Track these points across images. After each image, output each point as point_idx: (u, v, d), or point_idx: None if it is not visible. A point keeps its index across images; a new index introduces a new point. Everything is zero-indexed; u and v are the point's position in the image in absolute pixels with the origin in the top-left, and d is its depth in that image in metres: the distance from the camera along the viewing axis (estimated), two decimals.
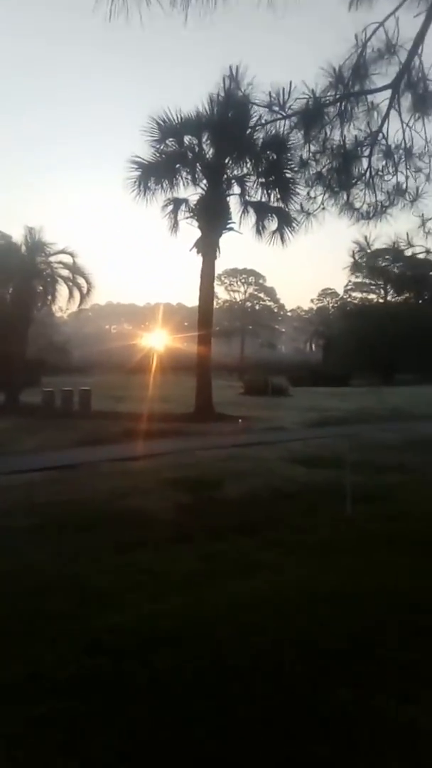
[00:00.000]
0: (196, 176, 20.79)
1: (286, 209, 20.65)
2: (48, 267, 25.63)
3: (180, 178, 20.83)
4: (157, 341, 44.53)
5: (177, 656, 4.01)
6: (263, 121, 8.33)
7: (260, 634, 4.24)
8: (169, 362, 42.84)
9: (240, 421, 19.73)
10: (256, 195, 21.07)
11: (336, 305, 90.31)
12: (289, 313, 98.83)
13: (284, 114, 7.94)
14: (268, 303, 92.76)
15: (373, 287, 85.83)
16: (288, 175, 20.07)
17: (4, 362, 23.58)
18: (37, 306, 25.73)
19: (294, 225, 20.67)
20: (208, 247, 20.66)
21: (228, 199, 21.12)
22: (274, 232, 21.01)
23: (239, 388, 36.87)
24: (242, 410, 23.13)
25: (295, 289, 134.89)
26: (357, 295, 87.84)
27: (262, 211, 21.17)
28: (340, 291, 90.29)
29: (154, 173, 20.58)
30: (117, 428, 17.04)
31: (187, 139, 20.51)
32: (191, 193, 21.29)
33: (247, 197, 21.27)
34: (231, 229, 20.92)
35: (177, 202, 21.45)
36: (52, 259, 25.77)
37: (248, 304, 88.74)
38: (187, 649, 4.10)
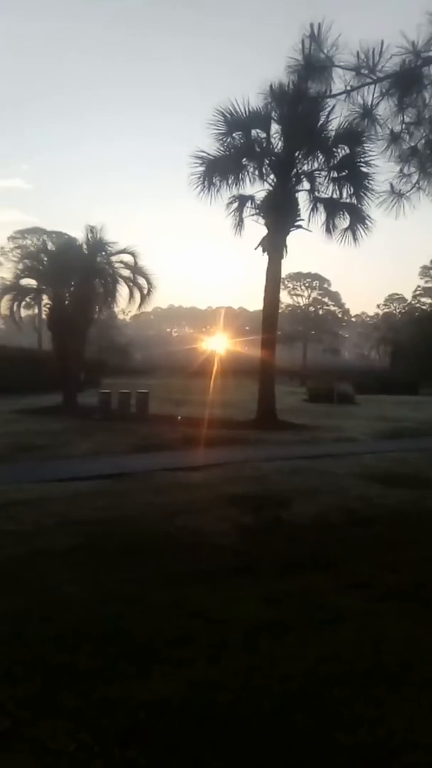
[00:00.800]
0: (263, 171, 19.75)
1: (359, 205, 19.44)
2: (109, 267, 25.11)
3: (246, 173, 19.85)
4: (219, 345, 43.92)
5: (243, 753, 2.95)
6: (349, 87, 7.12)
7: (357, 726, 3.12)
8: (231, 366, 41.99)
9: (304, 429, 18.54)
10: (327, 191, 19.91)
11: (404, 311, 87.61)
12: (353, 319, 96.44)
13: (375, 77, 6.79)
14: (332, 308, 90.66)
15: None
16: (363, 169, 18.90)
17: (62, 363, 23.17)
18: (97, 306, 25.21)
19: (367, 222, 19.53)
20: (274, 245, 19.55)
21: (296, 195, 19.97)
22: (345, 230, 19.78)
23: (302, 394, 35.53)
24: (307, 418, 21.89)
25: (360, 294, 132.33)
26: (426, 300, 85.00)
27: (332, 208, 19.94)
28: (408, 296, 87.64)
29: (219, 168, 19.67)
30: (174, 434, 16.16)
31: (254, 132, 19.51)
32: (257, 189, 20.29)
33: (316, 193, 20.10)
34: (299, 226, 19.77)
35: (242, 199, 20.46)
36: (113, 258, 25.25)
37: (311, 308, 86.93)
38: (254, 742, 3.03)
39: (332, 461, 12.71)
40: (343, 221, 19.75)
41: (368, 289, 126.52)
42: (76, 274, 23.68)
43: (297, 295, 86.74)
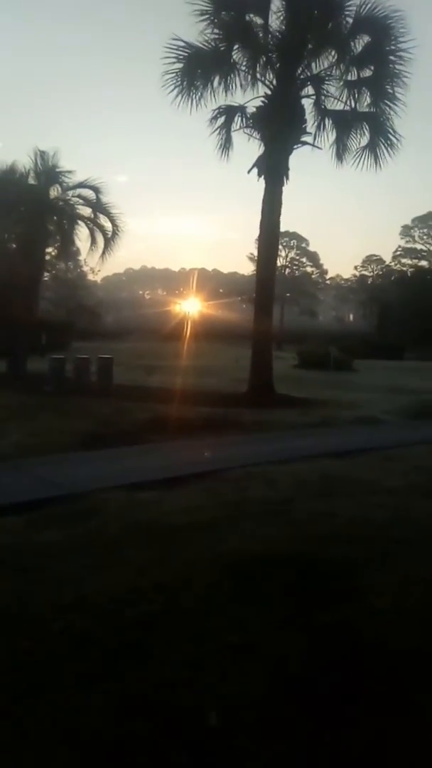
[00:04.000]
0: (259, 69, 15.18)
1: (384, 117, 15.11)
2: (64, 204, 20.46)
3: (236, 73, 15.27)
4: (193, 308, 41.06)
5: None
6: None
7: None
8: (205, 330, 38.77)
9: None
10: (341, 98, 15.50)
11: (381, 273, 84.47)
12: (327, 281, 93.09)
13: None
14: (309, 269, 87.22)
15: (425, 254, 79.49)
16: (391, 66, 14.53)
17: (4, 321, 18.65)
18: (49, 252, 20.62)
19: (392, 138, 15.24)
20: (273, 166, 15.12)
21: (302, 102, 15.51)
22: (364, 149, 15.47)
23: (290, 359, 31.45)
24: (306, 389, 17.90)
25: (335, 255, 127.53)
26: (407, 261, 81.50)
27: (346, 121, 15.59)
28: (387, 258, 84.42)
29: (202, 65, 15.08)
30: (143, 414, 12.00)
31: (249, 16, 14.92)
32: (249, 99, 15.75)
33: (325, 104, 15.67)
34: (305, 143, 15.36)
35: (231, 111, 15.95)
36: (69, 194, 20.60)
37: (288, 269, 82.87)
38: None
39: (372, 460, 8.70)
40: (362, 138, 15.46)
41: (343, 250, 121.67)
42: (20, 212, 19.01)
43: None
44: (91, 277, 76.66)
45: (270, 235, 15.85)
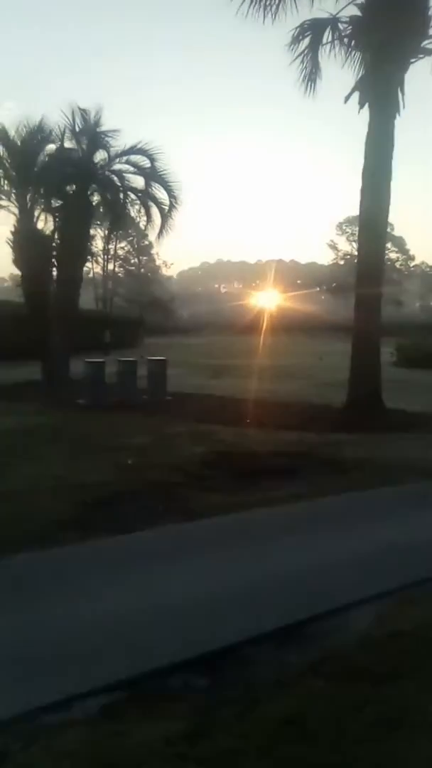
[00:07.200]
0: None
1: None
2: (111, 172, 16.79)
3: None
4: (270, 300, 38.58)
5: None
6: None
7: None
8: (284, 323, 35.86)
9: None
10: None
11: None
12: (412, 268, 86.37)
13: None
14: (395, 255, 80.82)
15: None
16: None
17: (36, 316, 15.15)
18: (97, 231, 17.04)
19: None
20: (382, 89, 10.72)
21: None
22: None
23: (385, 355, 26.69)
24: (421, 398, 13.51)
25: (420, 240, 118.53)
26: None
27: None
28: None
29: None
30: (195, 446, 8.11)
31: None
32: (342, 5, 11.44)
33: None
34: (429, 51, 10.85)
35: (318, 27, 11.73)
36: (117, 161, 16.88)
37: None
38: None
39: None
40: None
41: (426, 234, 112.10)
42: (59, 180, 15.48)
43: (356, 241, 76.64)
44: (164, 271, 74.01)
45: (378, 187, 11.36)
